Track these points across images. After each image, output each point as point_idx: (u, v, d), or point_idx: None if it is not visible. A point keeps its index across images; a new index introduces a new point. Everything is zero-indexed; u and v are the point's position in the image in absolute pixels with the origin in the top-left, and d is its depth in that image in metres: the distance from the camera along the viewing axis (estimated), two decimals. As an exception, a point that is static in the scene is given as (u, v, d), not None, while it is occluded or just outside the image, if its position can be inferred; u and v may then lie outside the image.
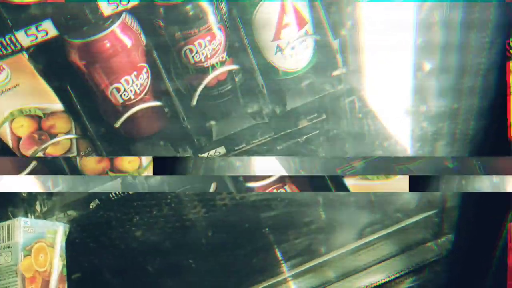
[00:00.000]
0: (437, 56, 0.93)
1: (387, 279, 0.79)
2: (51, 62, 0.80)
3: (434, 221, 0.78)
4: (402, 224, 0.82)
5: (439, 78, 0.96)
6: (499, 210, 0.72)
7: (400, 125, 0.98)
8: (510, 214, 0.71)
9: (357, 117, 1.07)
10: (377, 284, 0.79)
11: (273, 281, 0.96)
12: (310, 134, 1.08)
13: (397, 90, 0.97)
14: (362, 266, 0.82)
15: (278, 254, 1.09)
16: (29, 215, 0.96)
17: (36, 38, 0.71)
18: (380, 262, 0.82)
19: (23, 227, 0.89)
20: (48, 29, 0.71)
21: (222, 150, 1.02)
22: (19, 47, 0.71)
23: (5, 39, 0.70)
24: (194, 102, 0.91)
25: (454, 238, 0.78)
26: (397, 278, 0.81)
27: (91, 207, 0.99)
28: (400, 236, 0.82)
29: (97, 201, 1.00)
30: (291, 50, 0.94)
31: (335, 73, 0.98)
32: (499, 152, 0.74)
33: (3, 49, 0.71)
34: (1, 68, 0.76)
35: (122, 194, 0.99)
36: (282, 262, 1.06)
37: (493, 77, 0.83)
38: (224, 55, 0.92)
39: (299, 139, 1.09)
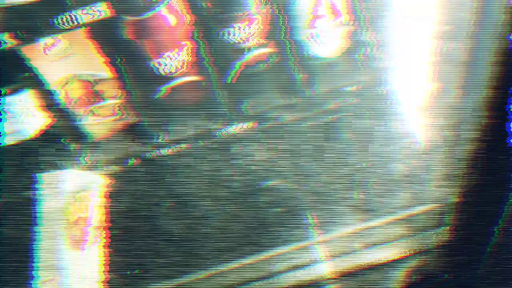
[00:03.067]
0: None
1: (393, 258, 0.86)
2: (103, 36, 0.89)
3: (438, 212, 0.85)
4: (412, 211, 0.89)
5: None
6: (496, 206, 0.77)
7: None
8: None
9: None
10: (383, 261, 0.87)
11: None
12: (339, 115, 1.14)
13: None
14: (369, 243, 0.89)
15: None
16: (76, 166, 1.07)
17: (92, 16, 0.80)
18: (387, 243, 0.89)
19: (70, 177, 1.01)
20: (102, 9, 0.80)
21: (251, 124, 1.09)
22: (77, 23, 0.80)
23: (65, 16, 0.79)
24: (229, 80, 0.98)
25: (455, 228, 0.84)
26: (402, 258, 0.88)
27: (130, 163, 1.10)
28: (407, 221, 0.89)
29: (137, 158, 1.10)
30: (323, 37, 0.99)
31: (366, 62, 1.03)
32: None
33: (63, 24, 0.80)
34: (61, 39, 0.85)
35: (159, 155, 1.10)
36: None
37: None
38: (262, 38, 0.98)
39: (326, 119, 1.15)
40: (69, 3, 0.77)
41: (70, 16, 0.79)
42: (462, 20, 0.90)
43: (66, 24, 0.80)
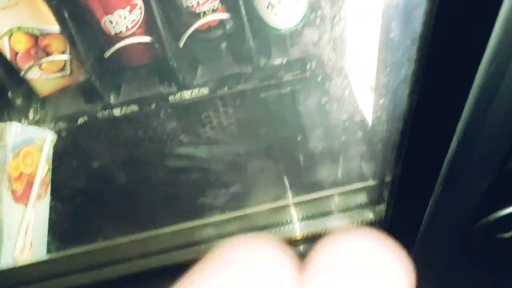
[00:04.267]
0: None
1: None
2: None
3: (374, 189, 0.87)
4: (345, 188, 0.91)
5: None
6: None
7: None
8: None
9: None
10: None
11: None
12: (295, 87, 1.14)
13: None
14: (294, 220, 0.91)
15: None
16: (22, 120, 1.05)
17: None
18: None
19: (15, 131, 0.99)
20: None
21: (205, 91, 1.08)
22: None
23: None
24: (182, 44, 0.97)
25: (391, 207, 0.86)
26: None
27: (79, 122, 1.08)
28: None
29: (86, 117, 1.08)
30: (283, 8, 0.98)
31: (322, 35, 1.02)
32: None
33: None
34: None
35: (109, 115, 1.08)
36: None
37: None
38: (217, 3, 0.96)
39: (283, 91, 1.15)
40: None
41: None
42: None
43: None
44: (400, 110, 0.66)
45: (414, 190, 0.81)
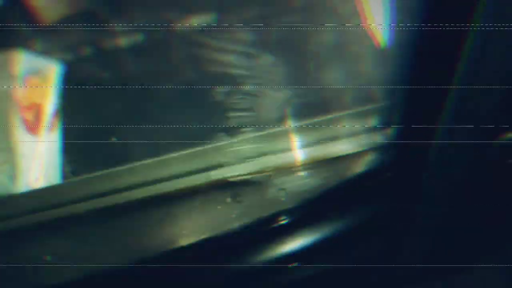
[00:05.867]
0: None
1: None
2: None
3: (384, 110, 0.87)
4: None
5: None
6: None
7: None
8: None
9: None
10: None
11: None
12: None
13: None
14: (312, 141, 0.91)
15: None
16: (28, 49, 1.04)
17: None
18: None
19: (23, 59, 0.98)
20: None
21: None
22: None
23: None
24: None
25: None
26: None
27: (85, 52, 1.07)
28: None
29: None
30: None
31: None
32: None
33: None
34: None
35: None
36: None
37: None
38: None
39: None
40: None
41: None
42: None
43: None
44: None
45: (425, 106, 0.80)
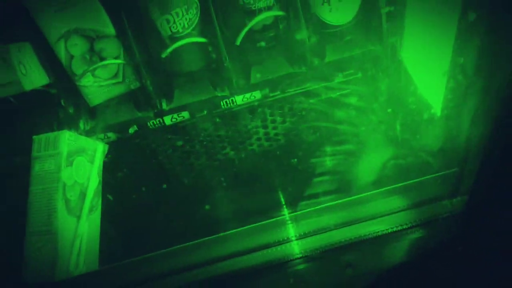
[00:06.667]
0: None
1: (390, 230, 0.82)
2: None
3: (452, 180, 0.82)
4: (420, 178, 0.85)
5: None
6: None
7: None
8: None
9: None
10: (380, 233, 0.83)
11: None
12: (344, 91, 1.11)
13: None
14: (368, 216, 0.85)
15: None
16: (73, 130, 1.02)
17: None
18: (389, 214, 0.85)
19: (68, 139, 0.96)
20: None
21: (257, 95, 1.05)
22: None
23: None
24: (238, 42, 0.94)
25: (468, 199, 0.81)
26: (402, 229, 0.84)
27: (129, 132, 1.05)
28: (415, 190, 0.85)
29: (135, 127, 1.05)
30: (338, 3, 0.96)
31: (378, 32, 1.00)
32: None
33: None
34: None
35: (160, 124, 1.05)
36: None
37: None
38: (272, 0, 0.95)
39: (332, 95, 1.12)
40: None
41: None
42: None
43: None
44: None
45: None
